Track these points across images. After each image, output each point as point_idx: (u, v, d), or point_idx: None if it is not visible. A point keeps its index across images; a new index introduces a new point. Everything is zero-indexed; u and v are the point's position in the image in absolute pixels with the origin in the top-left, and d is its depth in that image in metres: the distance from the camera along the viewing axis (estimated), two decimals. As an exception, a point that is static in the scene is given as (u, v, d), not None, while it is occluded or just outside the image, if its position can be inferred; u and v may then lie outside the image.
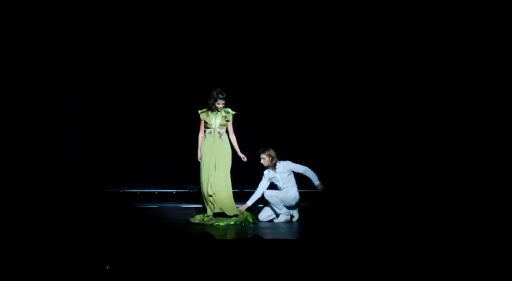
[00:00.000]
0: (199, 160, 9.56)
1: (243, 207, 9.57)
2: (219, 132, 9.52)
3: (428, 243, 7.64)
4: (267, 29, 11.45)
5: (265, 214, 9.66)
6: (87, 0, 11.08)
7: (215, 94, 9.44)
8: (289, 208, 9.61)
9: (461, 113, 10.88)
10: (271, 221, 9.58)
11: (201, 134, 9.61)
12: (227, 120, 9.54)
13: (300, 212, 9.80)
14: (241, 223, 9.34)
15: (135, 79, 11.52)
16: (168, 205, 9.99)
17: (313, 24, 11.39)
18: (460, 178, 10.51)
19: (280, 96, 11.64)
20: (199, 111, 9.61)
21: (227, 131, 9.57)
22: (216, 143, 9.51)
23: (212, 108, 9.47)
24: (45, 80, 10.91)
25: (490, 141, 10.66)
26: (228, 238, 8.32)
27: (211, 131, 9.54)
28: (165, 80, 11.59)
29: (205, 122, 9.53)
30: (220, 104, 9.47)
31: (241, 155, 9.56)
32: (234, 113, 9.61)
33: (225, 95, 9.44)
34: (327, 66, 11.47)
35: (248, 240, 7.10)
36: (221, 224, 9.26)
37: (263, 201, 9.64)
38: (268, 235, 8.40)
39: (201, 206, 9.61)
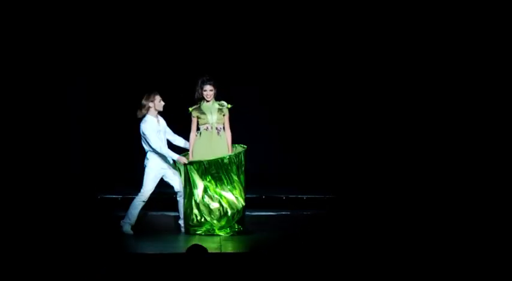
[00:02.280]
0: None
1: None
2: (216, 128, 8.49)
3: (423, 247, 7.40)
4: (265, 27, 11.12)
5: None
6: (87, 0, 10.74)
7: (200, 82, 8.54)
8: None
9: (461, 113, 10.51)
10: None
11: (193, 134, 8.57)
12: (223, 115, 8.54)
13: (301, 220, 9.00)
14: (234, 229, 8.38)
15: (134, 79, 11.02)
16: (154, 213, 9.04)
17: (312, 22, 11.12)
18: (460, 179, 10.11)
19: (279, 94, 11.28)
20: (190, 109, 8.61)
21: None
22: (214, 141, 8.48)
23: (202, 99, 8.52)
24: (45, 80, 10.57)
25: (490, 141, 10.30)
26: (222, 251, 7.46)
27: (207, 127, 8.50)
28: (165, 80, 10.94)
29: (200, 119, 8.52)
30: (207, 90, 8.51)
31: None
32: (229, 106, 8.61)
33: (212, 81, 8.53)
34: (328, 63, 11.17)
35: (246, 254, 6.78)
36: (222, 233, 8.33)
37: None
38: (267, 248, 7.69)
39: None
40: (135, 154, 10.80)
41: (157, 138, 8.50)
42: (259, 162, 9.22)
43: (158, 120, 8.63)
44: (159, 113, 8.65)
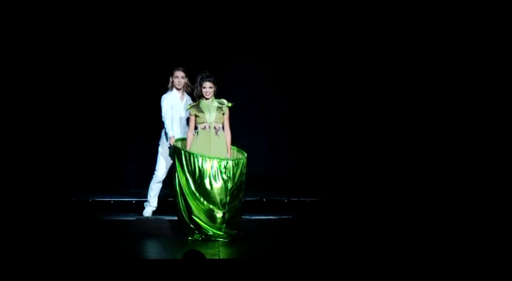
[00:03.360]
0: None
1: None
2: (214, 128, 8.15)
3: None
4: (264, 27, 10.99)
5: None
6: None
7: (199, 79, 8.22)
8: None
9: (461, 113, 10.49)
10: None
11: (190, 133, 8.25)
12: (223, 114, 8.22)
13: (303, 224, 8.69)
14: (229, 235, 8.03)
15: (133, 78, 10.91)
16: (149, 217, 8.79)
17: (307, 23, 10.99)
18: (459, 180, 10.05)
19: (280, 94, 11.11)
20: (188, 106, 8.30)
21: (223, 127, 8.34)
22: (212, 141, 8.12)
23: (201, 97, 8.20)
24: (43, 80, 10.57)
25: (490, 141, 10.28)
26: (220, 257, 7.20)
27: (205, 126, 8.14)
28: (164, 78, 10.29)
29: (198, 117, 8.19)
30: (206, 87, 8.16)
31: (228, 157, 8.24)
32: (230, 105, 8.26)
33: (211, 78, 8.20)
34: (325, 62, 11.02)
35: (245, 260, 6.60)
36: (220, 238, 7.98)
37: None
38: (267, 254, 7.41)
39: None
40: (129, 155, 10.91)
41: (168, 110, 8.47)
42: (260, 163, 8.99)
43: (182, 98, 8.60)
44: (187, 92, 8.60)
